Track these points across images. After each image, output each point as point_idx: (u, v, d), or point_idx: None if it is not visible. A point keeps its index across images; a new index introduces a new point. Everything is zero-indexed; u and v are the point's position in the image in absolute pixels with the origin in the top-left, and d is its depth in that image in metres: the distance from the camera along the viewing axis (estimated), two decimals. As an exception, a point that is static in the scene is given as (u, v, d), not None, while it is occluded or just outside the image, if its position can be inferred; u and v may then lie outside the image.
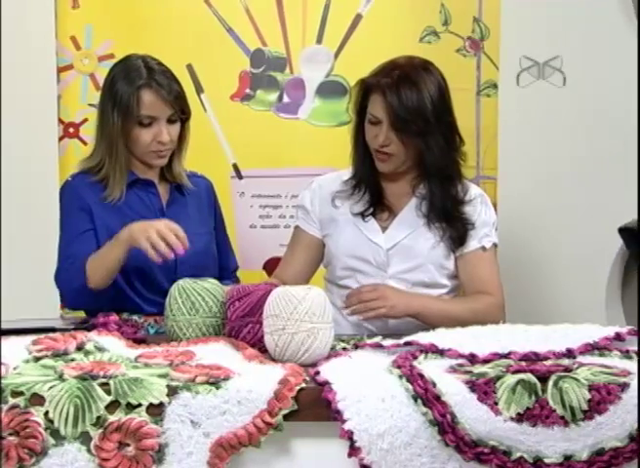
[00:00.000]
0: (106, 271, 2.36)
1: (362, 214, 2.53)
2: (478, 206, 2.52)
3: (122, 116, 2.45)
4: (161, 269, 2.44)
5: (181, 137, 2.55)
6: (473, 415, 1.65)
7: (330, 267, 2.60)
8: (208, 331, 2.11)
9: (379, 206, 2.54)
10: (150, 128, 2.47)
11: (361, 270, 2.51)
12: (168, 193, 2.59)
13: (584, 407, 1.66)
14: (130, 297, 2.49)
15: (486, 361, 1.81)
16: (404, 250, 2.50)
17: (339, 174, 2.61)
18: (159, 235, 2.24)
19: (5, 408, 1.64)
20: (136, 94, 2.45)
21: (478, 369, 1.76)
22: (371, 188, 2.54)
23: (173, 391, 1.67)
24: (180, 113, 2.50)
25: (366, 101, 2.48)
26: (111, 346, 1.94)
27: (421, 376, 1.69)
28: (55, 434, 1.65)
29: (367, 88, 2.47)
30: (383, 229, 2.53)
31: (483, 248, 2.50)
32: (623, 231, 2.81)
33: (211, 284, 2.16)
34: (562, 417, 1.65)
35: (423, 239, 2.50)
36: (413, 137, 2.42)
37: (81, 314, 2.54)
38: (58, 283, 2.46)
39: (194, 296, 2.12)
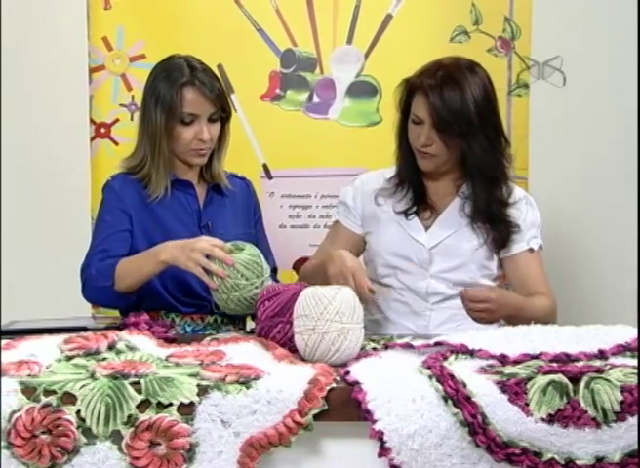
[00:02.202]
0: (135, 281, 2.36)
1: (405, 213, 2.53)
2: (523, 207, 2.51)
3: (165, 114, 2.47)
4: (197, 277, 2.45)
5: (221, 137, 2.56)
6: (504, 416, 1.65)
7: (371, 265, 2.60)
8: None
9: (421, 205, 2.54)
10: (192, 126, 2.48)
11: (403, 268, 2.51)
12: (205, 194, 2.59)
13: (616, 408, 1.65)
14: (167, 300, 2.50)
15: (517, 361, 1.80)
16: (447, 249, 2.50)
17: (382, 172, 2.61)
18: (203, 254, 2.21)
19: (38, 406, 1.65)
20: (179, 91, 2.46)
21: (509, 369, 1.76)
22: (414, 187, 2.54)
23: (203, 390, 1.68)
24: (221, 111, 2.51)
25: (410, 100, 2.48)
26: (142, 345, 1.95)
27: (452, 377, 1.69)
28: (86, 432, 1.66)
29: (411, 87, 2.48)
30: (426, 228, 2.53)
31: (531, 249, 2.50)
32: None
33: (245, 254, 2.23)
34: (594, 419, 1.65)
35: (466, 240, 2.49)
36: (455, 139, 2.41)
37: (113, 313, 2.56)
38: (83, 275, 2.44)
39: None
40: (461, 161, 2.48)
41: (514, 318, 2.33)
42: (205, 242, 2.24)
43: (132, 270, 2.35)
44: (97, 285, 2.40)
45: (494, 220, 2.48)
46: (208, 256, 2.21)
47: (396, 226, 2.54)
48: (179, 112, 2.47)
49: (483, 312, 2.30)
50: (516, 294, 2.47)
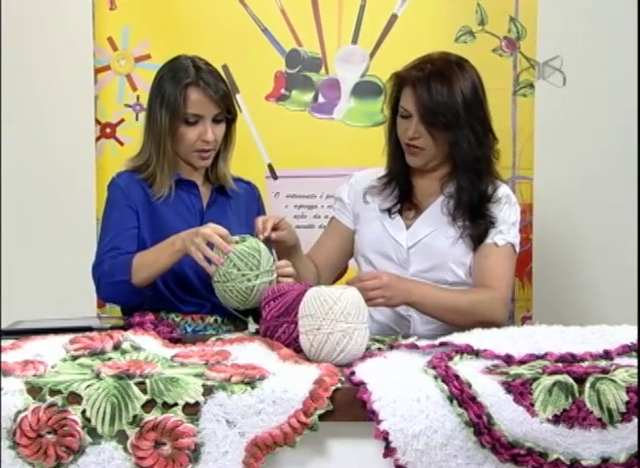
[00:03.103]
0: (153, 273, 2.37)
1: (389, 211, 2.53)
2: (502, 205, 2.50)
3: (169, 114, 2.47)
4: (197, 272, 2.45)
5: (227, 139, 2.57)
6: (509, 417, 1.65)
7: (358, 263, 2.61)
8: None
9: (406, 203, 2.54)
10: (196, 126, 2.49)
11: (384, 267, 2.50)
12: (209, 194, 2.60)
13: (622, 408, 1.65)
14: (167, 298, 2.50)
15: (522, 362, 1.80)
16: (424, 248, 2.49)
17: (376, 170, 2.62)
18: (205, 240, 2.24)
19: (43, 406, 1.65)
20: (183, 92, 2.47)
21: (514, 370, 1.76)
22: (401, 184, 2.54)
23: (208, 390, 1.68)
24: (226, 113, 2.52)
25: (399, 95, 2.48)
26: (147, 345, 1.95)
27: (457, 377, 1.69)
28: (92, 432, 1.66)
29: (400, 82, 2.48)
30: (408, 227, 2.52)
31: (495, 244, 2.47)
32: None
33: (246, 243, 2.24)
34: (599, 419, 1.65)
35: (444, 237, 2.48)
36: (441, 131, 2.42)
37: (118, 313, 2.56)
38: (95, 274, 2.44)
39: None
40: (449, 157, 2.48)
41: (423, 306, 2.36)
42: (210, 229, 2.26)
43: (149, 262, 2.36)
44: (112, 280, 2.39)
45: (474, 215, 2.46)
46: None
47: (379, 225, 2.54)
48: (183, 112, 2.47)
49: (376, 290, 2.27)
50: (426, 283, 2.43)
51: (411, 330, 2.48)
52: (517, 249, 2.52)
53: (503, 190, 2.52)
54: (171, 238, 2.34)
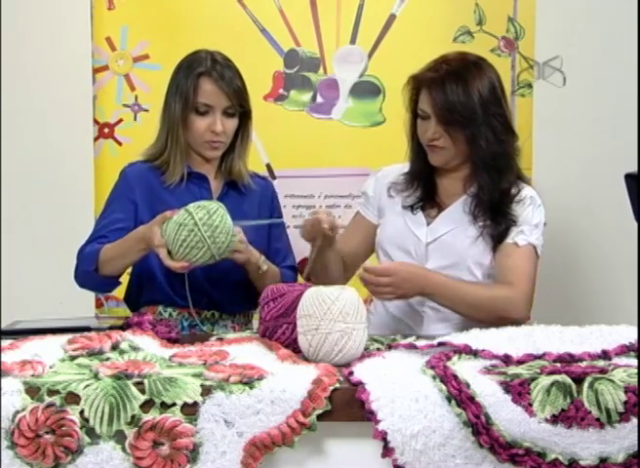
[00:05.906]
0: (121, 266, 2.42)
1: (412, 208, 2.54)
2: (526, 206, 2.49)
3: (181, 103, 2.50)
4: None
5: (243, 134, 2.58)
6: (508, 417, 1.65)
7: (377, 255, 2.62)
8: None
9: (428, 201, 2.55)
10: (206, 117, 2.50)
11: (402, 262, 2.51)
12: (221, 188, 2.60)
13: (620, 408, 1.65)
14: (165, 291, 2.51)
15: (520, 362, 1.80)
16: (443, 246, 2.49)
17: (402, 166, 2.62)
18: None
19: (41, 406, 1.65)
20: (194, 81, 2.49)
21: (512, 370, 1.76)
22: (424, 183, 2.55)
23: (207, 390, 1.68)
24: (239, 107, 2.52)
25: (417, 97, 2.49)
26: (146, 345, 1.95)
27: (455, 377, 1.69)
28: (90, 432, 1.66)
29: (417, 84, 2.49)
30: (428, 224, 2.53)
31: (516, 244, 2.46)
32: (630, 177, 2.63)
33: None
34: (597, 419, 1.64)
35: (464, 236, 2.48)
36: (459, 130, 2.42)
37: (116, 313, 2.56)
38: (77, 258, 2.47)
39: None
40: (470, 156, 2.48)
41: (439, 297, 2.36)
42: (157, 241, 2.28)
43: (117, 255, 2.39)
44: (83, 268, 2.44)
45: (495, 214, 2.46)
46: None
47: (401, 220, 2.55)
48: (193, 101, 2.49)
49: (387, 287, 2.29)
50: (444, 274, 2.42)
51: (424, 325, 2.48)
52: (539, 251, 2.50)
53: (528, 191, 2.52)
54: (137, 234, 2.35)
